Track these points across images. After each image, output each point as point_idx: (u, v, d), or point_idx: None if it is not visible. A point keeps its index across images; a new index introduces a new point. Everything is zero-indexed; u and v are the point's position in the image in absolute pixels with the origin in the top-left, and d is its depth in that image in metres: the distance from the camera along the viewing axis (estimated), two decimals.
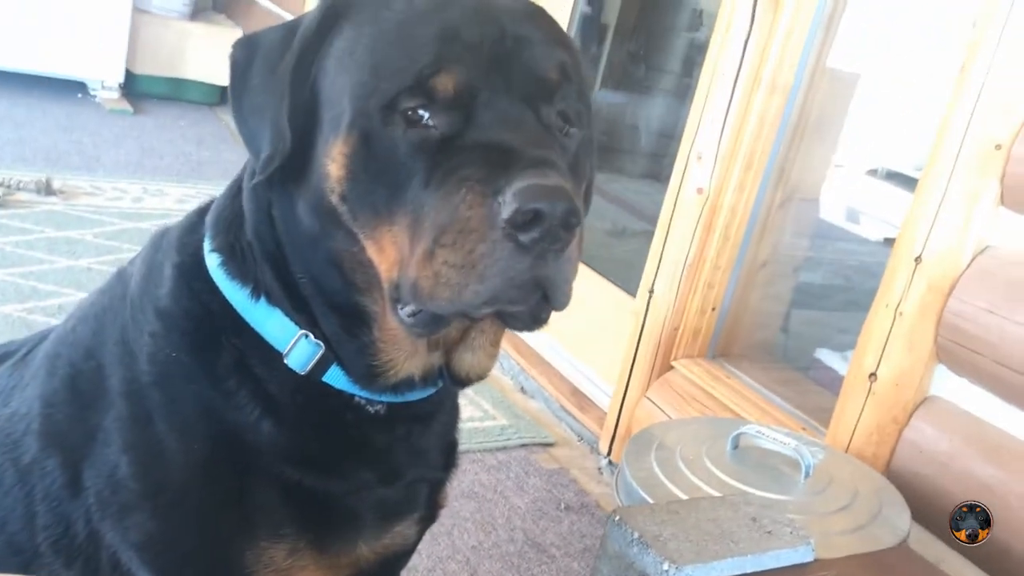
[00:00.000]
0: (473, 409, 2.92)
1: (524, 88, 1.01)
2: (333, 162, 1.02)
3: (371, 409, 1.14)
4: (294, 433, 1.11)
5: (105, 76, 5.53)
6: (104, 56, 5.46)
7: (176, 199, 4.29)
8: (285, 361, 1.10)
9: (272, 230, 1.10)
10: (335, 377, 1.12)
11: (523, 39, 1.03)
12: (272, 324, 1.11)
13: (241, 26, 6.10)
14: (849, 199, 6.53)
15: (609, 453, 2.83)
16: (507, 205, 0.90)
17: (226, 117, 5.90)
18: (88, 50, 5.40)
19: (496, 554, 2.35)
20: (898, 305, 2.01)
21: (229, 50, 1.10)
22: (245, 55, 1.09)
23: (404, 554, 1.28)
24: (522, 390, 3.25)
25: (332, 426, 1.14)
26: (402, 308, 1.02)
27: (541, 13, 1.11)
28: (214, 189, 4.49)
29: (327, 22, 1.06)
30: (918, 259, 1.98)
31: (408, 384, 1.14)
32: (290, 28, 1.09)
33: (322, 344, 1.10)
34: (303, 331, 1.10)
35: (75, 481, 1.12)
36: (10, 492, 1.17)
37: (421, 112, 0.98)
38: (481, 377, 1.17)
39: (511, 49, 1.02)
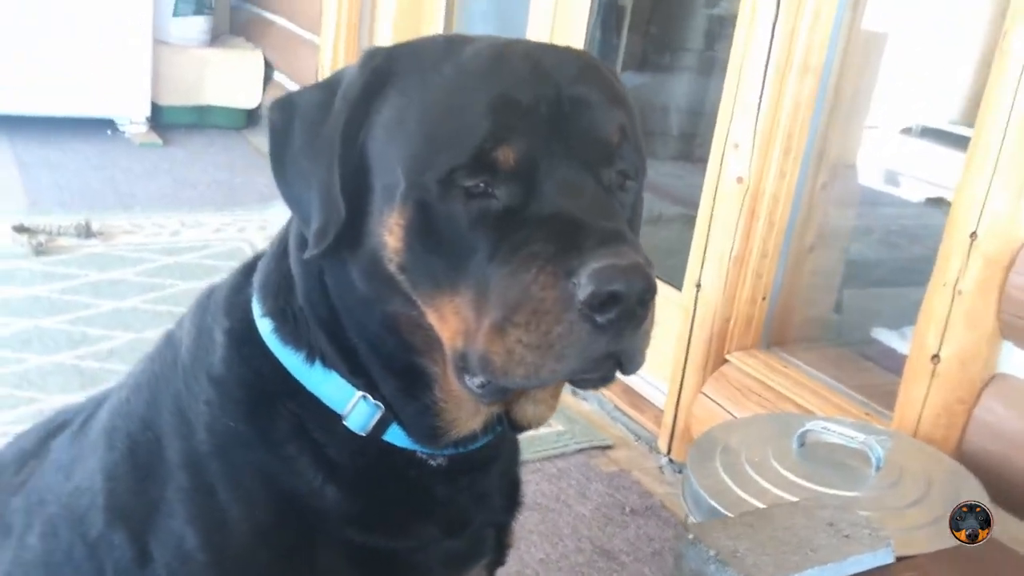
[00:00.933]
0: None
1: (584, 153, 0.99)
2: (390, 233, 0.99)
3: (433, 463, 1.13)
4: (358, 496, 1.10)
5: (132, 111, 5.58)
6: (129, 91, 5.51)
7: (214, 228, 4.32)
8: (345, 423, 1.09)
9: (324, 296, 1.09)
10: (396, 435, 1.10)
11: (580, 101, 1.00)
12: (329, 387, 1.09)
13: (260, 47, 6.12)
14: (886, 162, 6.41)
15: (669, 452, 2.80)
16: (583, 288, 0.88)
17: (255, 140, 5.93)
18: (113, 87, 5.45)
19: (565, 565, 2.33)
20: (956, 283, 1.96)
21: (268, 112, 1.09)
22: (283, 118, 1.07)
23: None
24: (574, 392, 3.22)
25: (396, 485, 1.13)
26: (470, 379, 1.00)
27: (594, 67, 1.07)
28: (251, 215, 4.47)
29: (372, 87, 1.03)
30: (973, 235, 1.92)
31: (471, 438, 1.12)
32: (328, 88, 1.07)
33: (381, 405, 1.09)
34: (361, 393, 1.09)
35: (143, 554, 1.12)
36: (81, 567, 1.17)
37: (481, 185, 0.96)
38: (541, 424, 1.15)
39: (569, 113, 0.99)
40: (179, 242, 4.10)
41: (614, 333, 0.91)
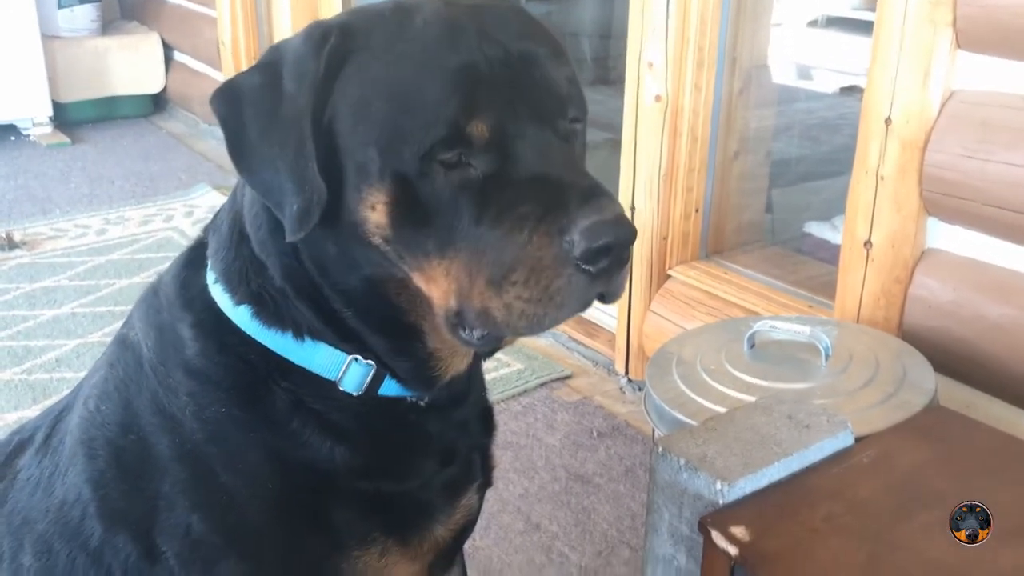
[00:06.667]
0: (487, 361, 2.93)
1: (543, 110, 1.04)
2: (372, 210, 1.02)
3: (422, 404, 1.19)
4: (367, 451, 1.16)
5: (33, 113, 5.40)
6: (27, 92, 5.33)
7: (139, 222, 4.24)
8: (340, 387, 1.13)
9: (305, 272, 1.11)
10: (390, 387, 1.16)
11: (528, 58, 1.05)
12: (320, 357, 1.13)
13: (156, 29, 5.94)
14: (797, 57, 6.50)
15: (627, 372, 2.87)
16: (578, 245, 0.96)
17: (166, 125, 5.79)
18: (8, 89, 5.26)
19: (544, 496, 2.40)
20: (877, 169, 2.02)
21: (211, 104, 1.07)
22: (231, 107, 1.06)
23: (470, 524, 1.34)
24: None
25: (397, 431, 1.19)
26: (467, 332, 1.06)
27: (528, 19, 1.11)
28: (175, 202, 4.36)
29: (332, 69, 1.03)
30: (887, 120, 1.98)
31: (458, 377, 1.20)
32: (270, 69, 1.06)
33: (373, 363, 1.14)
34: (352, 356, 1.13)
35: (151, 550, 1.13)
36: (86, 575, 1.18)
37: (458, 156, 1.00)
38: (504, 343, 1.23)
39: (521, 71, 1.03)
40: (107, 241, 4.02)
41: (605, 277, 0.99)
